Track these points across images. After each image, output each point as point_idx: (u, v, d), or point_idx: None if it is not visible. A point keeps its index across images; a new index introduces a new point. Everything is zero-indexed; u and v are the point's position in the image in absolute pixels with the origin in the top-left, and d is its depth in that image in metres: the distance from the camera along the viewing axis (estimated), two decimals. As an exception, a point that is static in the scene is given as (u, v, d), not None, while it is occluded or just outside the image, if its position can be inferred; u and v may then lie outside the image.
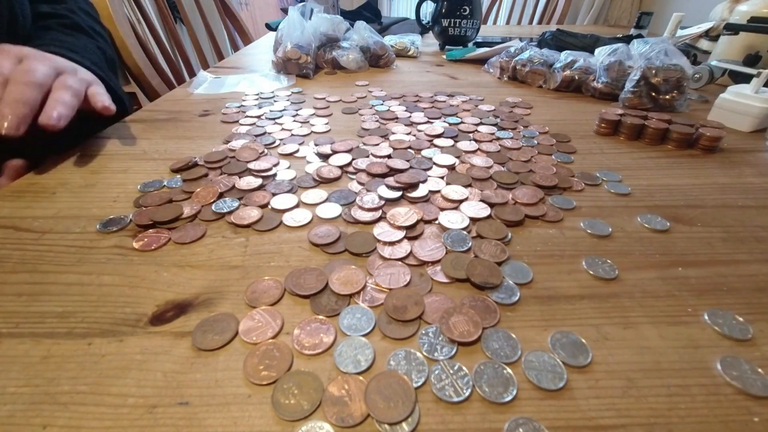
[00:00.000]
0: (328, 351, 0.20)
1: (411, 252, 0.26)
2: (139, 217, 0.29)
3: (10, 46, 0.36)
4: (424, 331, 0.21)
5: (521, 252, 0.27)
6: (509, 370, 0.19)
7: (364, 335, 0.20)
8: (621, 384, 0.18)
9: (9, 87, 0.33)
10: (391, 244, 0.27)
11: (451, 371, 0.19)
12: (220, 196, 0.32)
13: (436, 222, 0.29)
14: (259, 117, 0.50)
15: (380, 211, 0.30)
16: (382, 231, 0.28)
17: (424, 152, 0.40)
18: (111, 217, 0.30)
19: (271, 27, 1.09)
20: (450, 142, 0.42)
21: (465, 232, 0.28)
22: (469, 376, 0.18)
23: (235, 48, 1.12)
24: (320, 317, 0.21)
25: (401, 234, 0.28)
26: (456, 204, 0.31)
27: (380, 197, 0.32)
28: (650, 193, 0.34)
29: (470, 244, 0.27)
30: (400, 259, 0.26)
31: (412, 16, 0.95)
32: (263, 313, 0.22)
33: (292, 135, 0.44)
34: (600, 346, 0.20)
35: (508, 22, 1.72)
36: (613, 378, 0.19)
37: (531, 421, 0.17)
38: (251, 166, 0.36)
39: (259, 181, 0.34)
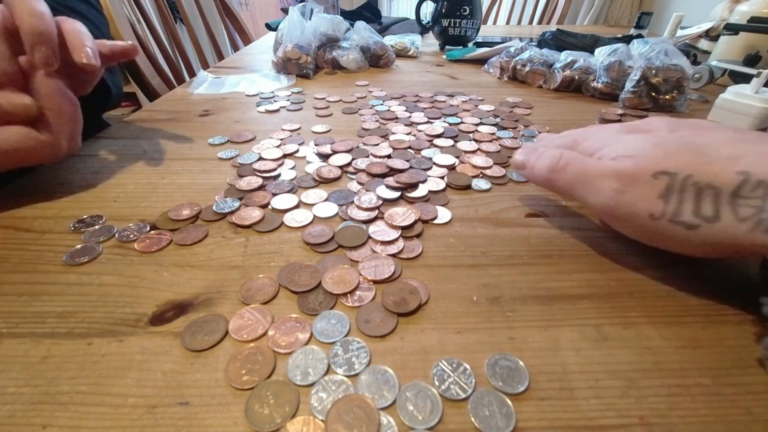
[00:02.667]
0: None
1: (403, 248, 0.26)
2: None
3: None
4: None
5: (521, 252, 0.27)
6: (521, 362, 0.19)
7: (332, 342, 0.20)
8: (621, 384, 0.18)
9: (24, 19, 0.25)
10: (384, 243, 0.27)
11: (454, 371, 0.19)
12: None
13: (435, 221, 0.30)
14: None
15: (377, 210, 0.30)
16: (377, 230, 0.28)
17: (423, 152, 0.40)
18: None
19: (271, 27, 1.09)
20: (450, 142, 0.42)
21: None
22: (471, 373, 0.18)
23: (235, 48, 1.12)
24: (294, 316, 0.22)
25: (396, 233, 0.28)
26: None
27: (378, 197, 0.32)
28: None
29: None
30: (393, 255, 0.26)
31: (412, 16, 0.95)
32: (252, 311, 0.22)
33: (292, 135, 0.44)
34: (600, 346, 0.20)
35: (508, 22, 1.72)
36: (613, 378, 0.19)
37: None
38: (255, 165, 0.37)
39: (260, 181, 0.34)
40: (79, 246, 0.26)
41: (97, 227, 0.28)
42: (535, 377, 0.19)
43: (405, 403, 0.17)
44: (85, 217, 0.29)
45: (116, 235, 0.28)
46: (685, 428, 0.17)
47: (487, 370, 0.19)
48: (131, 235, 0.28)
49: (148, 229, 0.28)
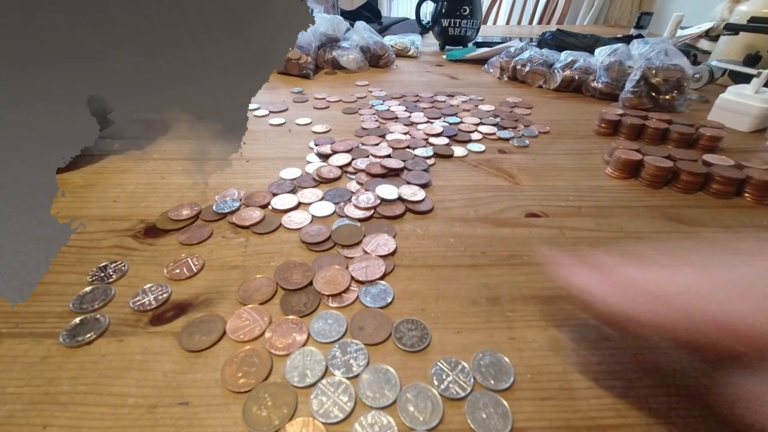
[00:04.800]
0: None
1: (396, 249, 0.26)
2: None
3: None
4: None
5: (521, 252, 0.27)
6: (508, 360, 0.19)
7: (330, 342, 0.20)
8: (620, 384, 0.18)
9: None
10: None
11: (453, 370, 0.19)
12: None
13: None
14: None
15: (373, 210, 0.31)
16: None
17: (417, 150, 0.40)
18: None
19: (271, 27, 1.09)
20: (446, 140, 0.42)
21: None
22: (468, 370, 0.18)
23: (235, 48, 1.12)
24: (291, 317, 0.21)
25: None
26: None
27: (377, 197, 0.32)
28: (650, 193, 0.34)
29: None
30: (384, 256, 0.26)
31: (412, 16, 0.95)
32: (250, 311, 0.22)
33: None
34: (600, 346, 0.20)
35: (508, 22, 1.72)
36: (613, 378, 0.19)
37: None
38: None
39: (259, 181, 0.34)
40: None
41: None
42: (536, 377, 0.19)
43: (406, 404, 0.17)
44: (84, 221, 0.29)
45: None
46: (685, 428, 0.17)
47: (473, 368, 0.19)
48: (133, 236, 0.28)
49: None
